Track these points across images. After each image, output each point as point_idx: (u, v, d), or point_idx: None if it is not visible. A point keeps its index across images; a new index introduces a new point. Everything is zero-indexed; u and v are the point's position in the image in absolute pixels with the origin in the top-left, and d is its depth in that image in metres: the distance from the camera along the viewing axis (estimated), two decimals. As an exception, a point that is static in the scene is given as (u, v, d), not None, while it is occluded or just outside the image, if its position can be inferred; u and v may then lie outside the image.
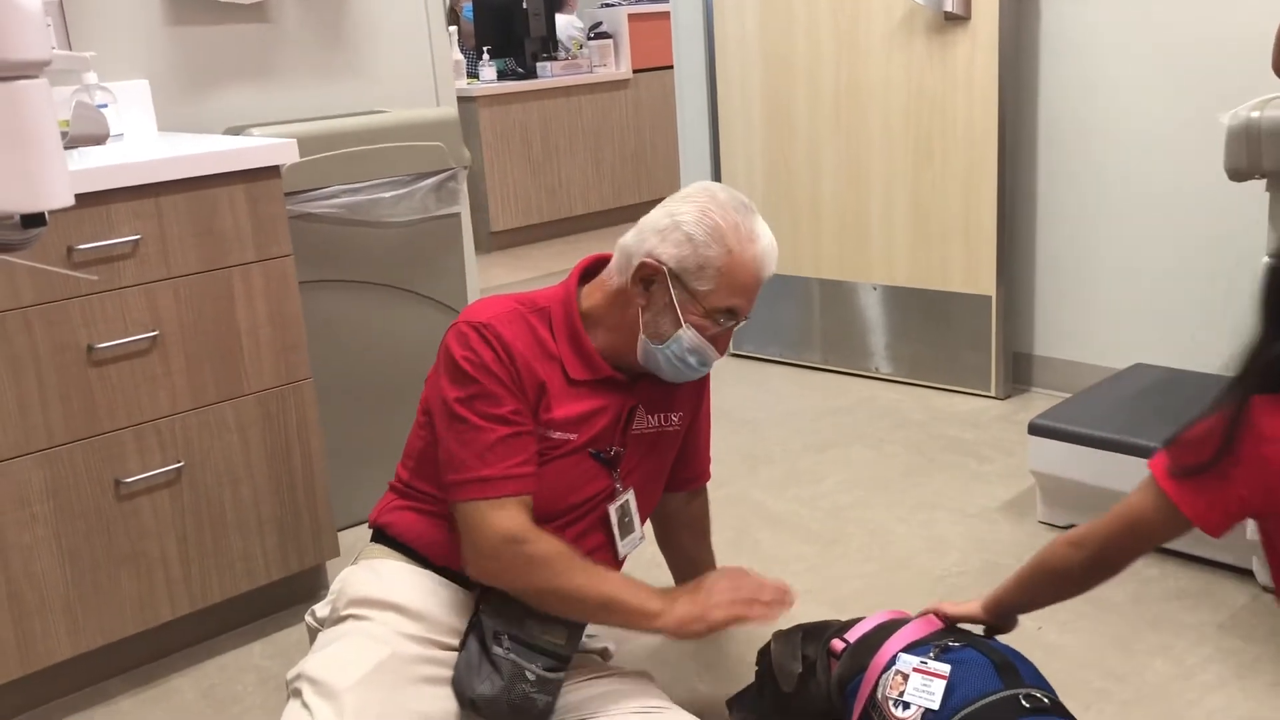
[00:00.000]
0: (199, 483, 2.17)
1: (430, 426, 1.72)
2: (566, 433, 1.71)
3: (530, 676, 1.61)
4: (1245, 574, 2.32)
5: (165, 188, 2.06)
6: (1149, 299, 3.20)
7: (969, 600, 1.68)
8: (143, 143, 2.39)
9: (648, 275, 1.69)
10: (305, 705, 1.56)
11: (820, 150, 3.65)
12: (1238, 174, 2.03)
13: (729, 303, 1.69)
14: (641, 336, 1.71)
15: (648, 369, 1.76)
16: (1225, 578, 2.33)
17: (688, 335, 1.69)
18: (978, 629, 1.69)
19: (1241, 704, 1.93)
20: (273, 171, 2.20)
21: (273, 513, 2.28)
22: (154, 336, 2.08)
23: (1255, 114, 1.98)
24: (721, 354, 1.75)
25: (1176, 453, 1.34)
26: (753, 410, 3.51)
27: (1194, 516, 1.32)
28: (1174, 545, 2.41)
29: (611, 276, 1.75)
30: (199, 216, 2.11)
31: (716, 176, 3.93)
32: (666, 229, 1.68)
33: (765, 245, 1.70)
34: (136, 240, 2.03)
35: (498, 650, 1.62)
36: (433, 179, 2.76)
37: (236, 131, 2.56)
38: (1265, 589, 2.27)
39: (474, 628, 1.65)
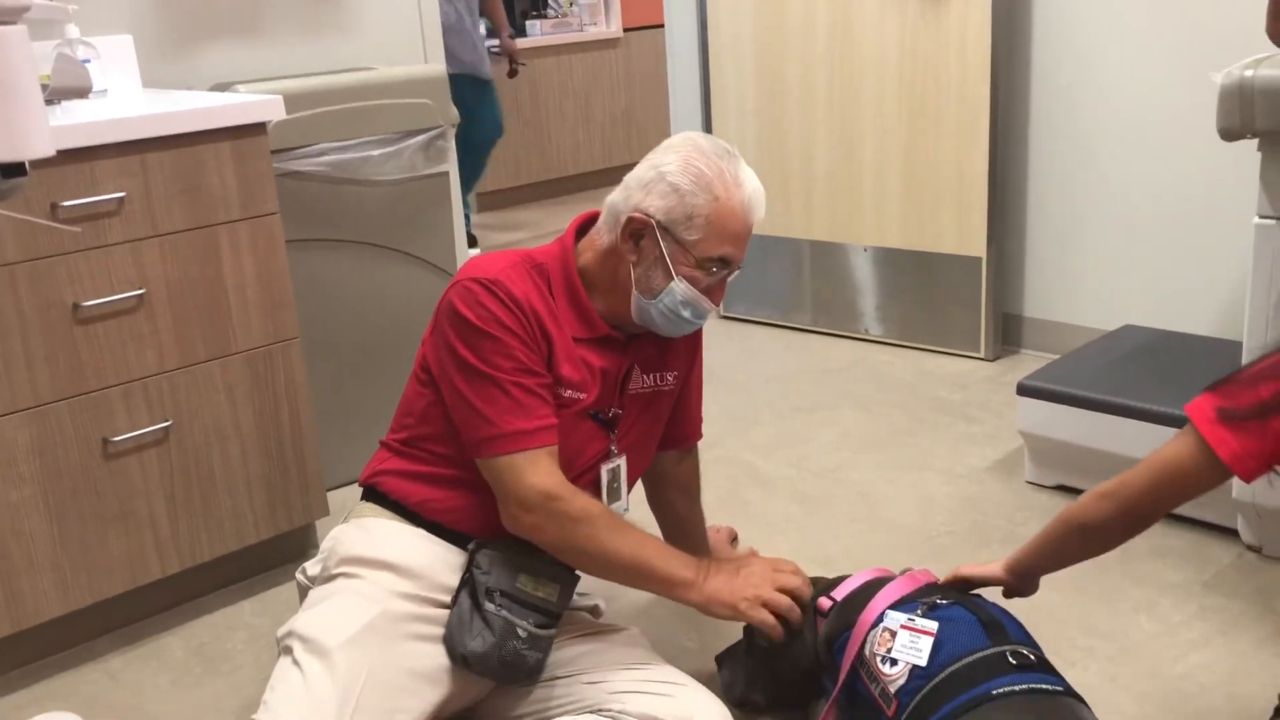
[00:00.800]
0: (187, 442, 2.17)
1: (433, 385, 1.71)
2: (574, 391, 1.71)
3: (521, 633, 1.61)
4: (1230, 533, 2.33)
5: (150, 145, 2.04)
6: (1139, 261, 3.20)
7: (990, 564, 1.67)
8: (127, 99, 2.36)
9: (636, 229, 1.68)
10: (296, 663, 1.57)
11: (812, 111, 3.63)
12: (1230, 133, 2.02)
13: (719, 251, 1.68)
14: (634, 292, 1.71)
15: (643, 326, 1.75)
16: (1211, 537, 2.35)
17: (680, 287, 1.68)
18: (991, 590, 1.70)
19: (1225, 660, 1.95)
20: (259, 129, 2.18)
21: (261, 471, 2.28)
22: (141, 295, 2.06)
23: (1249, 73, 1.97)
24: (716, 305, 1.74)
25: (1228, 392, 1.33)
26: (742, 372, 3.51)
27: (1231, 460, 1.31)
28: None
29: (601, 235, 1.74)
30: (185, 174, 2.09)
31: (707, 136, 3.90)
32: (651, 181, 1.67)
33: (752, 190, 1.69)
34: (121, 198, 2.01)
35: (489, 607, 1.62)
36: (420, 137, 2.74)
37: (222, 88, 2.53)
38: (1250, 548, 2.29)
39: (465, 585, 1.65)
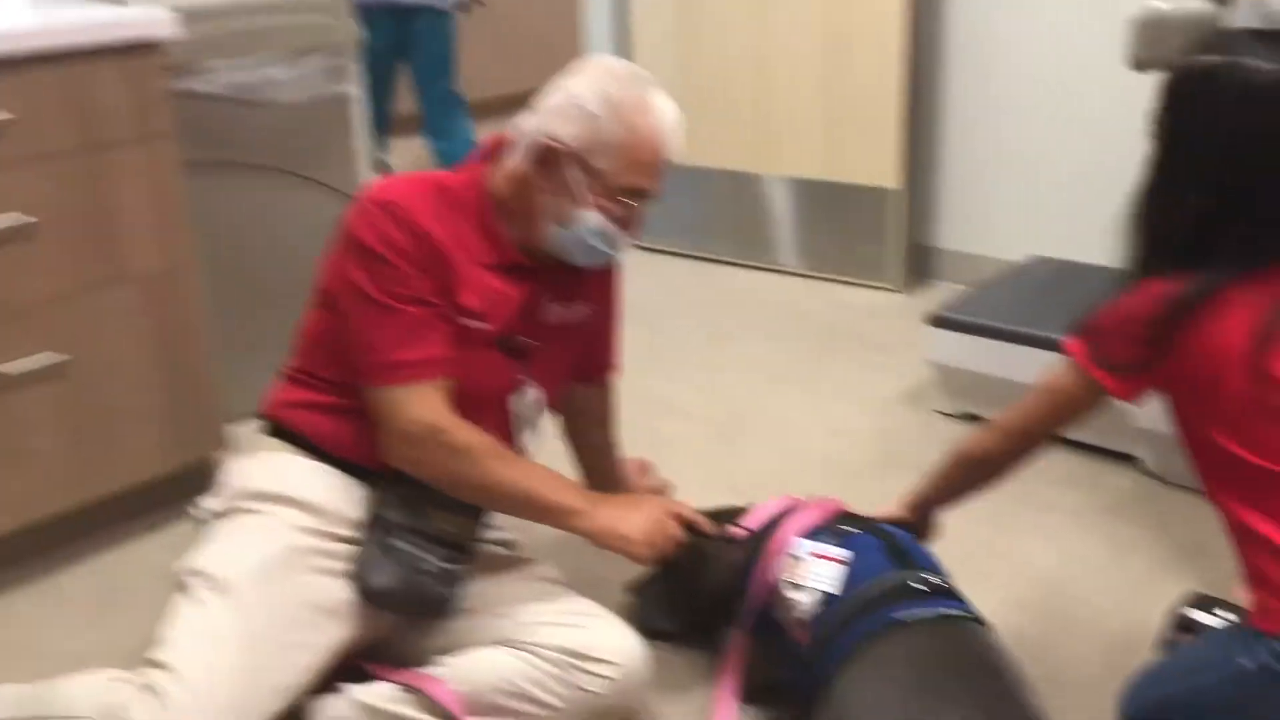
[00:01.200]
0: (80, 373, 2.08)
1: (329, 310, 1.66)
2: (476, 320, 1.66)
3: (429, 568, 1.59)
4: (1127, 459, 2.40)
5: (35, 63, 1.92)
6: (1050, 193, 3.24)
7: (886, 504, 1.69)
8: (9, 12, 2.22)
9: (546, 156, 1.63)
10: (196, 599, 1.52)
11: (728, 38, 3.58)
12: (1141, 64, 2.04)
13: (633, 182, 1.64)
14: (547, 221, 1.66)
15: (557, 254, 1.71)
16: (1109, 463, 2.41)
17: (592, 217, 1.64)
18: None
19: (1119, 584, 2.01)
20: (152, 46, 2.07)
21: (159, 404, 2.20)
22: (29, 222, 1.96)
23: (1161, 4, 1.98)
24: (632, 237, 1.70)
25: (1100, 341, 1.38)
26: (656, 302, 3.49)
27: (1120, 394, 1.38)
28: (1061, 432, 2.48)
29: (511, 161, 1.69)
30: (72, 94, 1.98)
31: (622, 62, 3.84)
32: (562, 107, 1.62)
33: (667, 119, 1.64)
34: (5, 120, 1.90)
35: (396, 542, 1.59)
36: (323, 57, 2.64)
37: (114, 3, 2.40)
38: (1149, 474, 2.35)
39: (371, 520, 1.62)
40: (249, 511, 1.63)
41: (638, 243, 3.99)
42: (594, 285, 1.85)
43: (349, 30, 2.68)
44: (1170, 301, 1.31)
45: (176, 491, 2.33)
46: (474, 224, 1.66)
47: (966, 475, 1.61)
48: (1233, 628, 1.44)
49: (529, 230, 1.68)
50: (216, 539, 1.61)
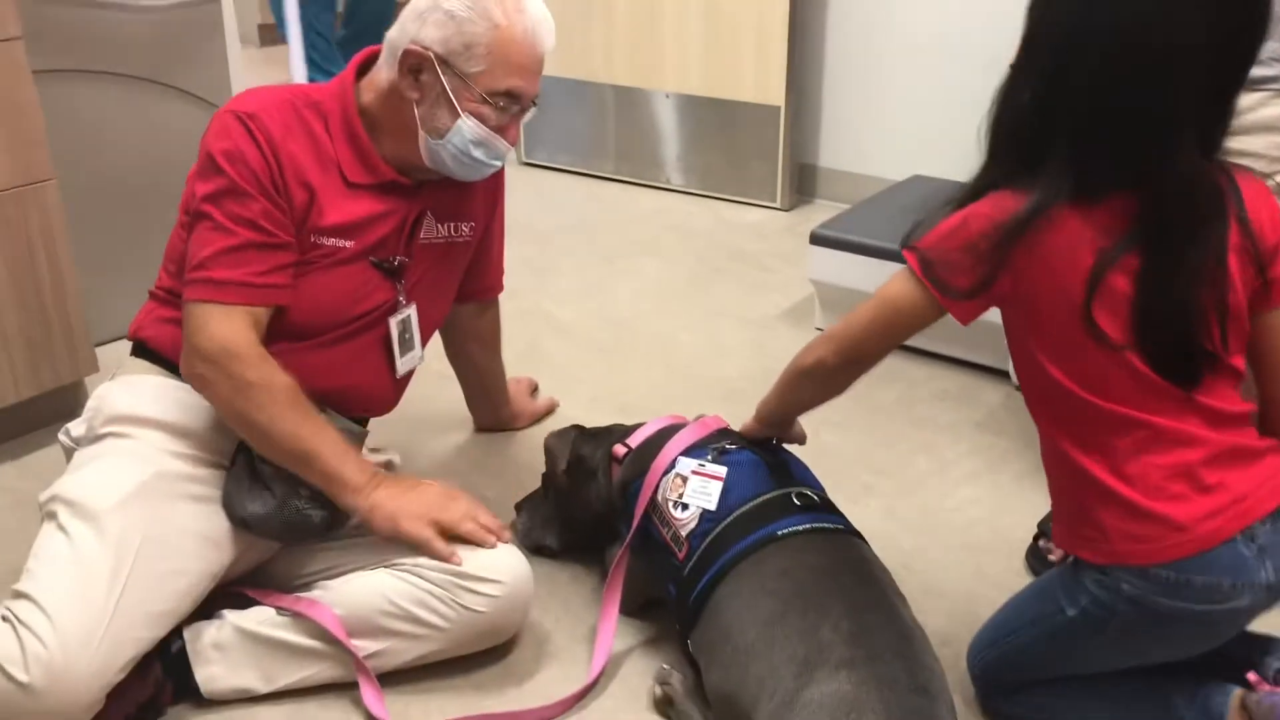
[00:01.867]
0: (-71, 294, 1.97)
1: (191, 227, 1.60)
2: (340, 239, 1.61)
3: (304, 491, 1.55)
4: (1001, 374, 2.47)
5: None
6: (929, 112, 3.27)
7: (745, 420, 1.68)
8: None
9: (414, 64, 1.56)
10: (61, 528, 1.47)
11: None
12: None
13: (506, 84, 1.58)
14: (421, 133, 1.60)
15: (436, 170, 1.66)
16: (984, 378, 2.49)
17: (468, 125, 1.58)
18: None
19: (992, 494, 2.09)
20: (-7, -60, 1.93)
21: (19, 326, 2.10)
22: None
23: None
24: (512, 144, 1.64)
25: (937, 266, 1.33)
26: (542, 220, 3.45)
27: (957, 314, 1.35)
28: (938, 349, 2.54)
29: (380, 73, 1.62)
30: (-95, -10, 1.84)
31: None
32: (426, 10, 1.55)
33: (537, 14, 1.58)
34: None
35: (267, 469, 1.55)
36: (190, -41, 2.50)
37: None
38: (1018, 388, 2.43)
39: (243, 447, 1.58)
40: (118, 436, 1.57)
41: (525, 159, 3.96)
42: (477, 202, 1.81)
43: (217, -69, 2.54)
44: (1001, 223, 1.27)
45: (43, 416, 2.24)
46: (343, 140, 1.61)
47: (806, 389, 1.54)
48: (1054, 574, 1.46)
49: (404, 145, 1.63)
50: (84, 465, 1.56)
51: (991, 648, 1.52)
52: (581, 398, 2.39)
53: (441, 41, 1.55)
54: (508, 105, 1.60)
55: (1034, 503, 2.06)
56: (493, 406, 2.23)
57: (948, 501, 2.07)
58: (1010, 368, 2.44)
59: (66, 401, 2.27)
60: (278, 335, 1.58)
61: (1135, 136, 1.23)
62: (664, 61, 3.55)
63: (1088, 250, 1.26)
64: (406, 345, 1.74)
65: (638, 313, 2.83)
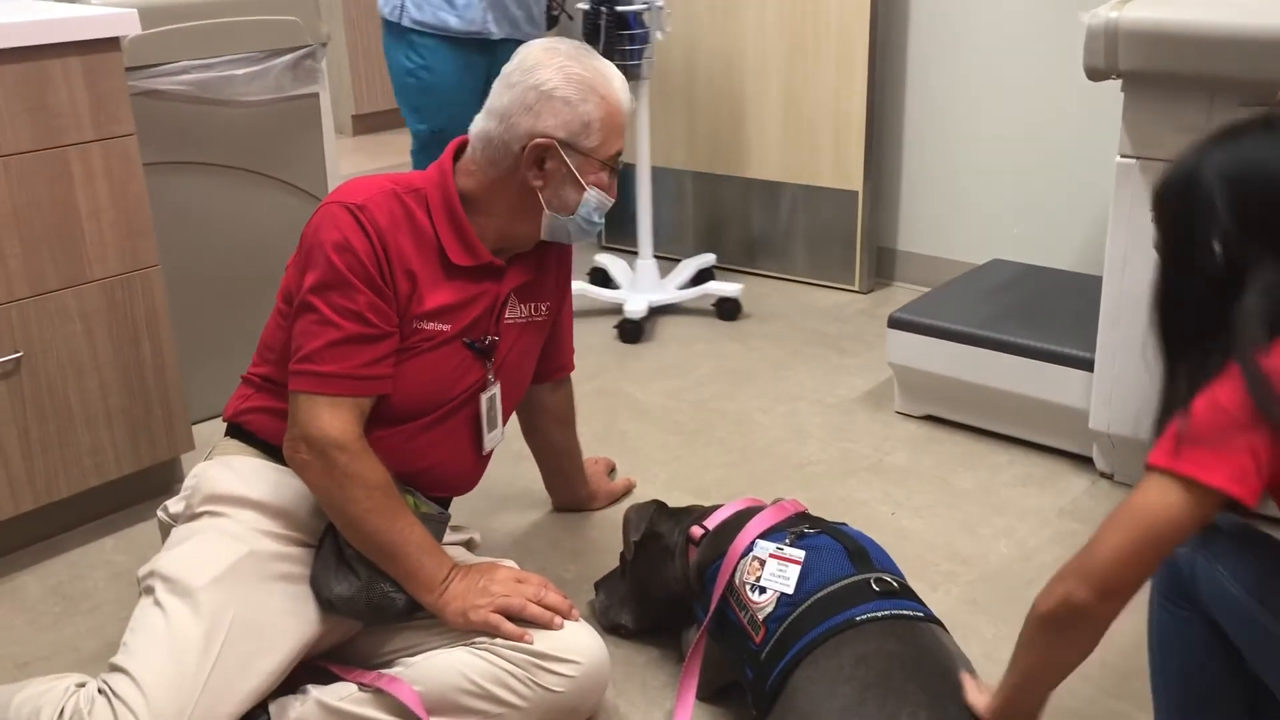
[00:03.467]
0: (40, 374, 2.07)
1: (291, 316, 1.66)
2: (440, 323, 1.67)
3: (388, 575, 1.59)
4: (1086, 461, 2.43)
5: (-9, 58, 1.91)
6: (1008, 197, 3.28)
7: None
8: (-35, 8, 2.21)
9: (540, 154, 1.65)
10: (158, 603, 1.52)
11: (697, 42, 3.60)
12: (1095, 73, 2.07)
13: (615, 148, 1.71)
14: (547, 214, 1.70)
15: (552, 239, 1.77)
16: (1067, 465, 2.45)
17: (594, 195, 1.70)
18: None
19: (1075, 582, 2.04)
20: (112, 43, 2.06)
21: (122, 405, 2.19)
22: (-15, 219, 1.95)
23: (1114, 14, 2.01)
24: (615, 198, 1.76)
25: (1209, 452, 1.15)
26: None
27: (1249, 497, 1.14)
28: (1019, 433, 2.52)
29: (480, 167, 1.69)
30: (30, 91, 1.96)
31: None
32: (537, 102, 1.64)
33: (620, 79, 1.72)
34: (-40, 115, 1.89)
35: (352, 551, 1.59)
36: (288, 56, 2.63)
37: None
38: (1103, 474, 2.39)
39: (332, 527, 1.62)
40: (214, 515, 1.62)
41: (606, 243, 4.03)
42: (550, 284, 1.87)
43: (316, 30, 2.67)
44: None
45: (141, 492, 2.32)
46: (445, 224, 1.67)
47: (1053, 643, 1.28)
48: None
49: (508, 228, 1.71)
50: (181, 543, 1.61)
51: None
52: (658, 479, 2.41)
53: (563, 127, 1.65)
54: (617, 165, 1.73)
55: (1121, 592, 2.01)
56: (570, 486, 2.25)
57: (1031, 590, 2.01)
58: (1092, 453, 2.40)
59: (164, 478, 2.36)
60: (377, 420, 1.64)
61: None
62: (744, 149, 3.61)
63: None
64: (492, 423, 1.79)
65: (715, 394, 2.85)
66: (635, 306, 3.21)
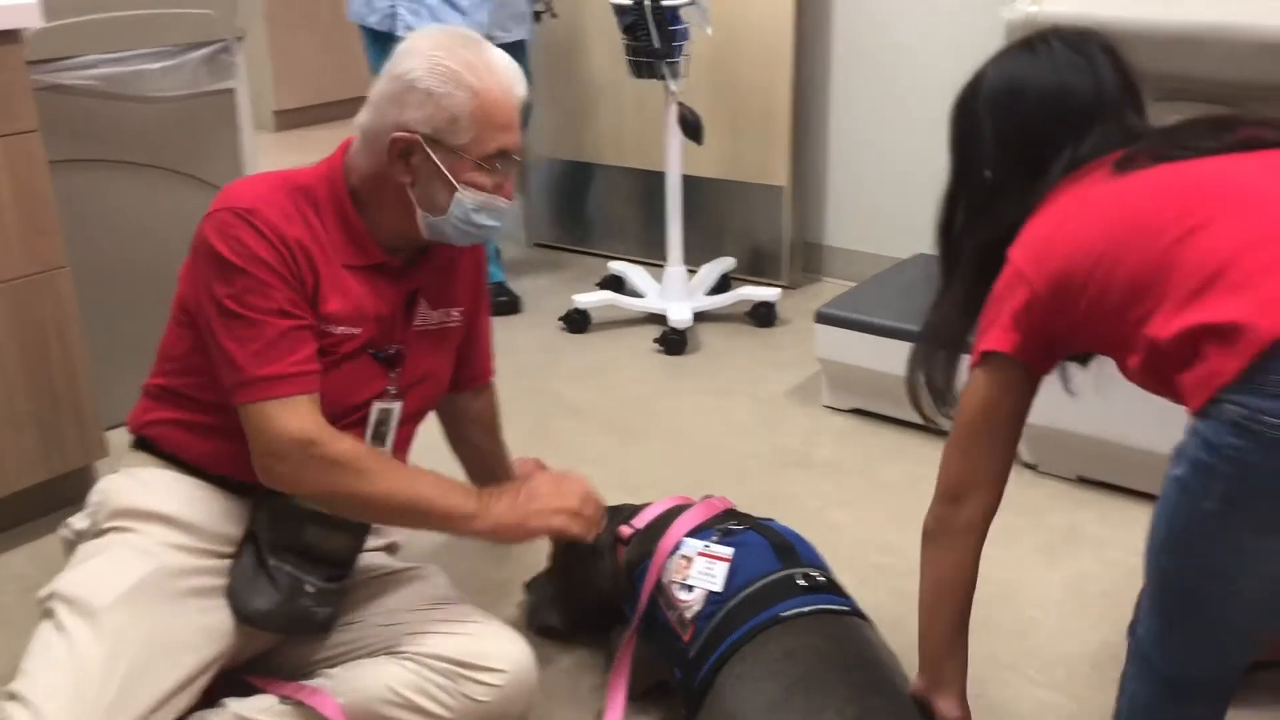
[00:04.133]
0: (-58, 381, 1.99)
1: (191, 326, 1.59)
2: (350, 327, 1.59)
3: (309, 589, 1.54)
4: (1009, 452, 2.46)
5: (-118, 51, 1.84)
6: (933, 190, 3.29)
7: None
8: None
9: (404, 148, 1.55)
10: (59, 625, 1.45)
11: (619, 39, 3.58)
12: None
13: (495, 145, 1.56)
14: (420, 212, 1.60)
15: (435, 241, 1.64)
16: (992, 456, 2.47)
17: (466, 196, 1.57)
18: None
19: (1003, 569, 2.07)
20: (12, 36, 1.99)
21: (30, 411, 2.12)
22: (-122, 220, 1.87)
23: (1033, 8, 2.03)
24: (509, 199, 1.63)
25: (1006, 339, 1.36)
26: (551, 300, 3.47)
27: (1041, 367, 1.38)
28: (947, 426, 2.53)
29: (359, 160, 1.60)
30: (-74, 85, 1.89)
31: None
32: (401, 92, 1.54)
33: (505, 68, 1.57)
34: None
35: (274, 563, 1.54)
36: (203, 50, 2.57)
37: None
38: (1026, 465, 2.42)
39: (249, 538, 1.57)
40: (121, 530, 1.55)
41: (535, 240, 3.99)
42: (463, 289, 1.80)
43: (232, 25, 2.60)
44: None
45: (54, 501, 2.25)
46: (335, 224, 1.59)
47: (935, 562, 1.46)
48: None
49: (397, 224, 1.61)
50: (84, 561, 1.53)
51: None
52: (592, 478, 2.38)
53: (426, 121, 1.53)
54: (502, 165, 1.59)
55: (1045, 580, 2.04)
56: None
57: (958, 580, 2.05)
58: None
59: (77, 486, 2.28)
60: None
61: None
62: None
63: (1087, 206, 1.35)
64: (380, 438, 1.69)
65: (647, 392, 2.84)
66: (681, 316, 3.08)
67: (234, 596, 1.54)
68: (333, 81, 5.97)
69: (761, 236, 3.52)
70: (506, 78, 1.56)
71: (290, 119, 5.90)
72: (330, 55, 5.91)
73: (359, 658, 1.57)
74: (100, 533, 1.57)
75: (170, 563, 1.52)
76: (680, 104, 3.05)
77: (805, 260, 3.57)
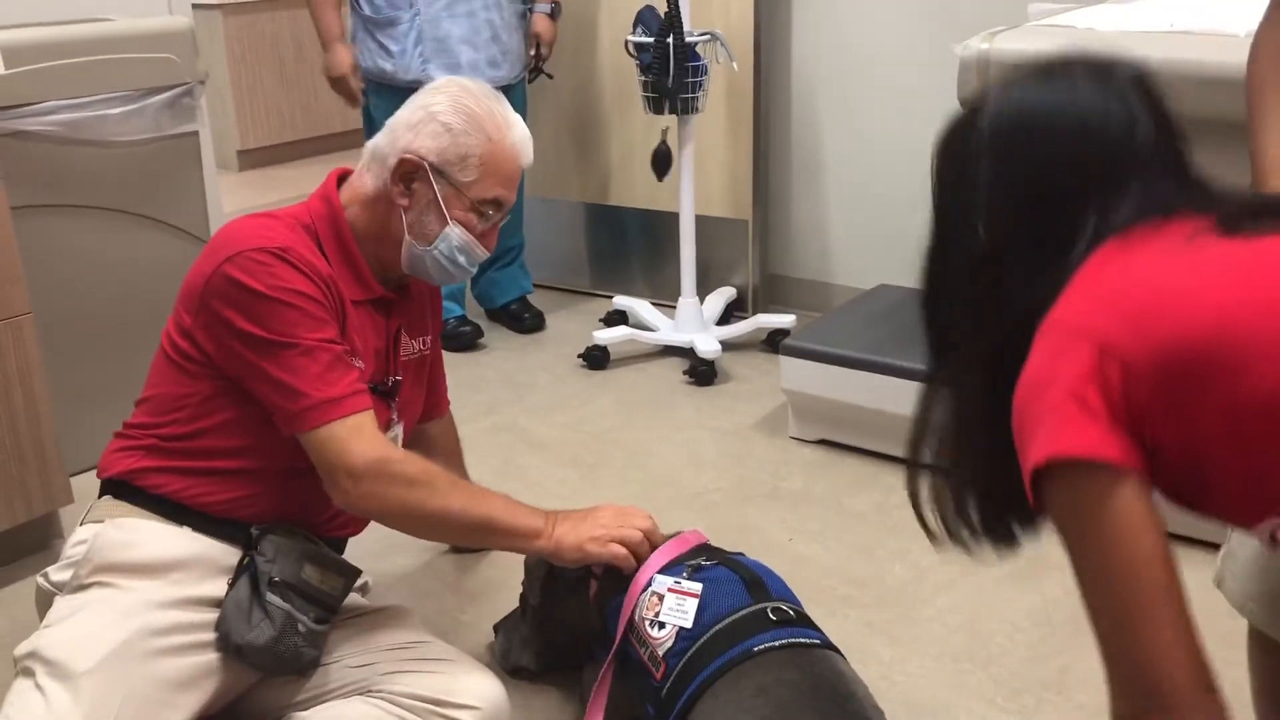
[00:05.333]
0: (-97, 430, 1.97)
1: (209, 374, 1.57)
2: (361, 361, 1.63)
3: (301, 628, 1.54)
4: (974, 480, 2.49)
5: None
6: (894, 221, 3.34)
7: None
8: None
9: (408, 171, 1.62)
10: (38, 687, 1.43)
11: (589, 80, 3.61)
12: (968, 103, 2.13)
13: (494, 193, 1.66)
14: (407, 239, 1.64)
15: (412, 274, 1.70)
16: (957, 484, 2.50)
17: (455, 233, 1.64)
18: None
19: (969, 600, 2.09)
20: (-28, 84, 1.99)
21: (-6, 459, 2.10)
22: None
23: (985, 45, 2.08)
24: (489, 252, 1.71)
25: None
26: (518, 336, 3.48)
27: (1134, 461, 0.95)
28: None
29: (365, 181, 1.66)
30: (-114, 134, 1.88)
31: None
32: (420, 122, 1.62)
33: (522, 132, 1.69)
34: None
35: (271, 597, 1.52)
36: (165, 94, 2.57)
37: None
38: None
39: (245, 570, 1.55)
40: (103, 586, 1.53)
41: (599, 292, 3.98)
42: (427, 319, 1.86)
43: (194, 69, 2.61)
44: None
45: (17, 549, 2.23)
46: (339, 258, 1.63)
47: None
48: None
49: (386, 253, 1.67)
50: (66, 618, 1.51)
51: None
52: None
53: (437, 151, 1.61)
54: (492, 213, 1.67)
55: (1013, 608, 2.06)
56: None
57: (926, 610, 2.07)
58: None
59: (41, 533, 2.26)
60: (283, 466, 1.59)
61: None
62: (633, 180, 3.63)
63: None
64: None
65: (612, 425, 2.85)
66: (709, 347, 3.10)
67: (226, 626, 1.52)
68: (296, 121, 5.97)
69: (726, 269, 3.55)
70: (521, 140, 1.67)
71: (254, 158, 5.89)
72: (293, 94, 5.91)
73: (333, 699, 1.57)
74: (81, 587, 1.54)
75: (153, 622, 1.50)
76: (665, 140, 3.11)
77: (770, 293, 3.61)
